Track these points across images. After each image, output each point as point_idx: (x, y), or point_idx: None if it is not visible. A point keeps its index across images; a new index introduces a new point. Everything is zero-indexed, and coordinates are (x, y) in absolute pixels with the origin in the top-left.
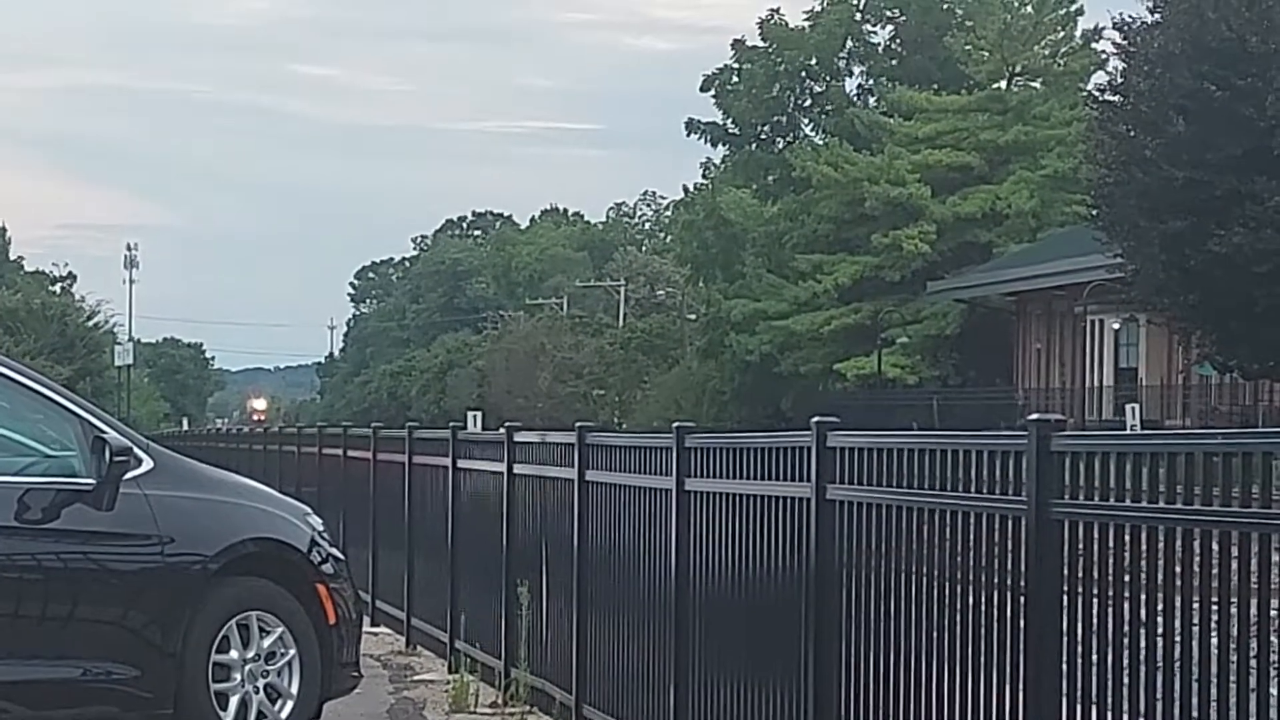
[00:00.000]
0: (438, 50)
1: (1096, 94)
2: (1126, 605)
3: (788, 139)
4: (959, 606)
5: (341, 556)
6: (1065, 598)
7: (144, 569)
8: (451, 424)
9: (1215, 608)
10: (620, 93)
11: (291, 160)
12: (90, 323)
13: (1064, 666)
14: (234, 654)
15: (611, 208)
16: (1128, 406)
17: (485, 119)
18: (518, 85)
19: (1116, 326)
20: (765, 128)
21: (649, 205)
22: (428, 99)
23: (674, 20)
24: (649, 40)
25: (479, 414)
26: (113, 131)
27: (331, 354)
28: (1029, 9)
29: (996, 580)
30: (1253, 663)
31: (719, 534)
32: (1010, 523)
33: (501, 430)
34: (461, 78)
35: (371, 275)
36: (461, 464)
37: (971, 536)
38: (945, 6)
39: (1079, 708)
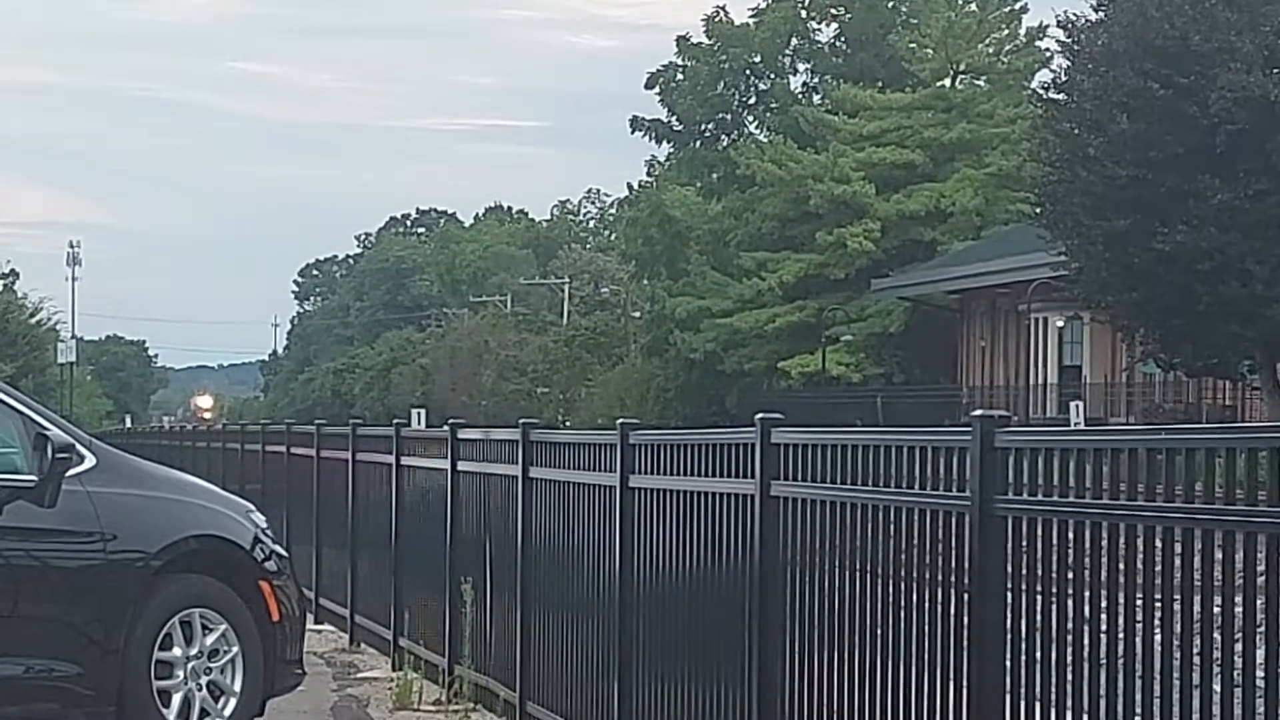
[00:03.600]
0: (379, 48)
1: (1040, 92)
2: (1070, 601)
3: (732, 136)
4: (903, 603)
5: (285, 553)
6: (1009, 594)
7: (86, 566)
8: (395, 421)
9: (1159, 604)
10: (563, 90)
11: (234, 157)
12: (33, 320)
13: (1007, 662)
14: (177, 651)
15: (556, 205)
16: (1072, 404)
17: (428, 116)
18: (460, 83)
19: (1060, 324)
20: (710, 125)
21: (593, 203)
22: (370, 96)
23: (613, 17)
24: (589, 37)
25: (423, 411)
26: (54, 129)
27: (275, 351)
28: (973, 7)
29: (940, 576)
30: (1196, 659)
31: (663, 531)
32: (954, 519)
33: (445, 427)
34: (403, 75)
35: (315, 273)
36: (405, 461)
37: (916, 533)
38: (890, 4)
39: (1022, 704)
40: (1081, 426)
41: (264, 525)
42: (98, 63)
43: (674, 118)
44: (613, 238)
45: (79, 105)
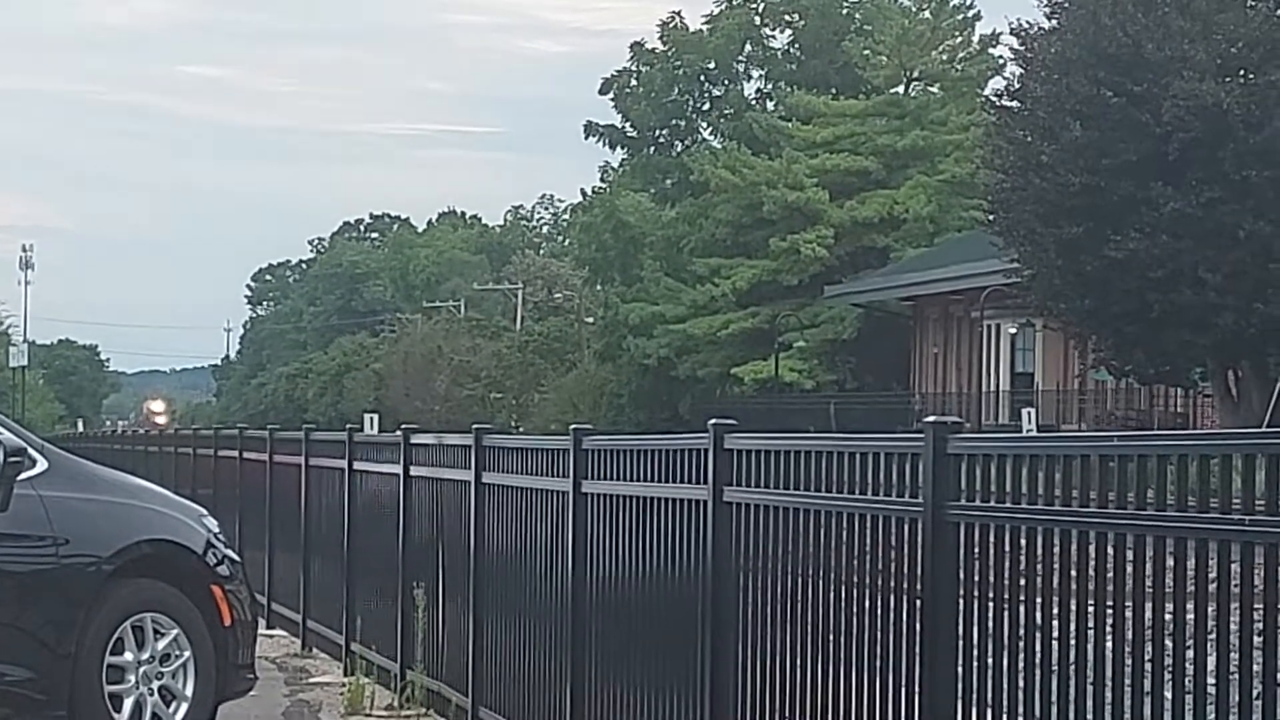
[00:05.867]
0: (332, 52)
1: (994, 99)
2: (1022, 608)
3: (686, 142)
4: (855, 609)
5: (237, 558)
6: (961, 600)
7: (38, 570)
8: (348, 426)
9: (1110, 611)
10: (516, 96)
11: (187, 162)
12: None
13: (959, 669)
14: (128, 656)
15: (509, 211)
16: (1024, 411)
17: (381, 121)
18: (413, 88)
19: (1013, 331)
20: (664, 131)
21: (547, 208)
22: (323, 101)
23: (566, 23)
24: (542, 43)
25: (376, 416)
26: (4, 132)
27: (228, 356)
28: (927, 14)
29: (893, 583)
30: (1147, 666)
31: (616, 536)
32: (907, 525)
33: (398, 432)
34: (356, 80)
35: (268, 278)
36: (358, 466)
37: (868, 539)
38: (844, 11)
39: (974, 711)
40: (1033, 433)
41: (216, 530)
42: (49, 65)
43: (628, 124)
44: (566, 243)
45: (30, 108)
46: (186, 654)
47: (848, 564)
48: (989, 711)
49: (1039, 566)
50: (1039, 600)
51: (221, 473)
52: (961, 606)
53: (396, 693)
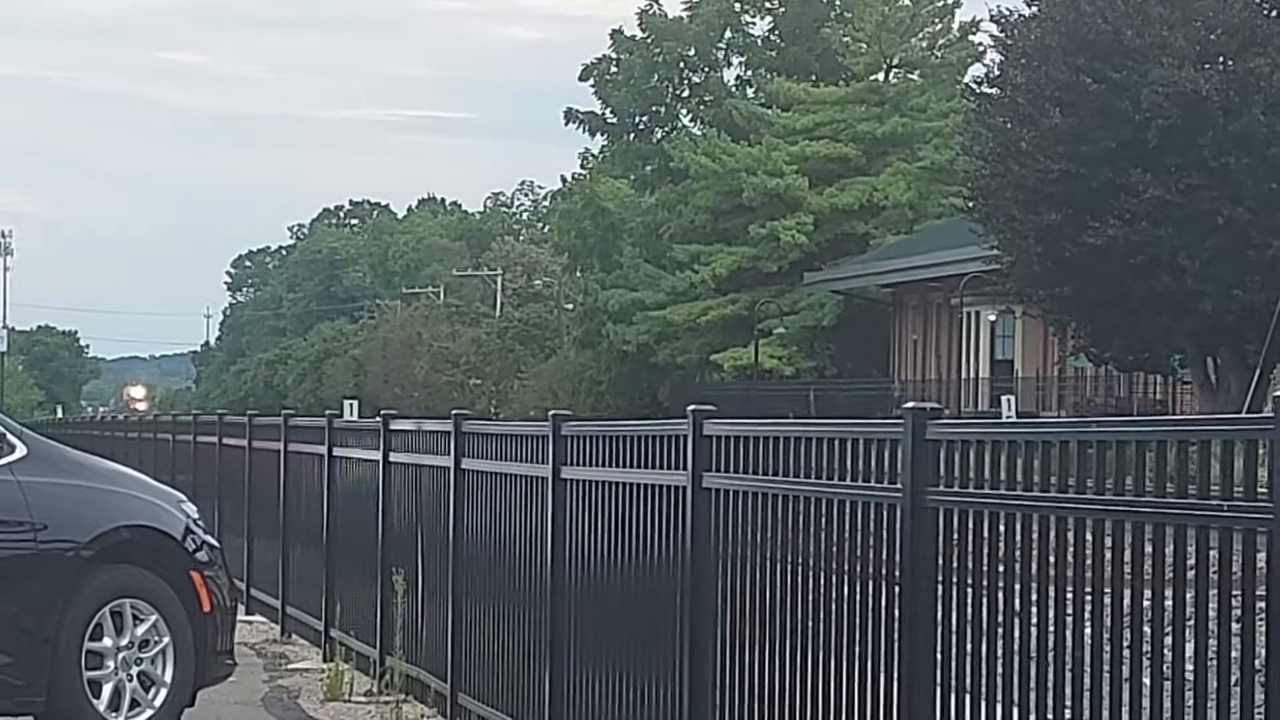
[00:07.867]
0: (309, 39)
1: (973, 86)
2: (1001, 594)
3: (666, 129)
4: (835, 595)
5: (216, 544)
6: (940, 586)
7: (16, 555)
8: (328, 412)
9: (1089, 597)
10: (495, 81)
11: (166, 148)
12: None
13: (938, 655)
14: (107, 641)
15: (489, 197)
16: (1003, 398)
17: (360, 108)
18: (391, 74)
19: (993, 318)
20: (644, 118)
21: (526, 195)
22: (301, 88)
23: (541, 9)
24: (518, 29)
25: (355, 403)
26: None
27: (207, 343)
28: (907, 1)
29: (872, 568)
30: (1126, 652)
31: (595, 522)
32: (886, 511)
33: (378, 418)
34: (334, 67)
35: (248, 264)
36: (337, 452)
37: (847, 525)
38: None
39: (953, 697)
40: (1013, 420)
41: (195, 516)
42: (25, 52)
43: (608, 110)
44: (546, 230)
45: (9, 94)
46: (166, 640)
47: (827, 550)
48: (968, 697)
49: (1018, 552)
50: (1018, 586)
51: (201, 459)
52: (941, 592)
53: (375, 679)
